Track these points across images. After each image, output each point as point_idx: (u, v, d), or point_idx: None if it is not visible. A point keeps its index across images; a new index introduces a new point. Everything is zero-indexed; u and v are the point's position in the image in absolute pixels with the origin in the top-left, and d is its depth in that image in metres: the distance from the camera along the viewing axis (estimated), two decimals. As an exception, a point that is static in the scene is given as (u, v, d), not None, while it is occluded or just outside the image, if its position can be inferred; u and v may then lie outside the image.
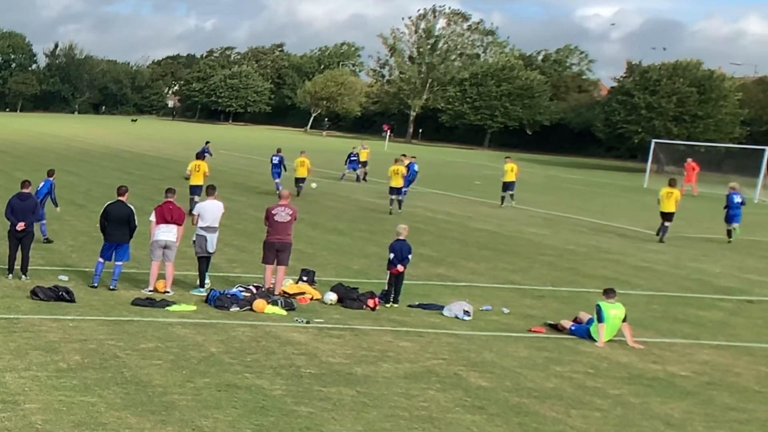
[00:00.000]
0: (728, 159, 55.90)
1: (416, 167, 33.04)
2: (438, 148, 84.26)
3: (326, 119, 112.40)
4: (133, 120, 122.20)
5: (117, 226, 15.80)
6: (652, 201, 37.64)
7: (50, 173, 21.50)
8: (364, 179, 41.86)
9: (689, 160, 46.75)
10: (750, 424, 10.42)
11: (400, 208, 29.76)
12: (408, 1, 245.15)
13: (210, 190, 16.60)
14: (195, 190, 27.06)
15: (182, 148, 56.55)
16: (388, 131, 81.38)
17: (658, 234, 26.18)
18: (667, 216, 25.88)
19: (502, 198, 33.70)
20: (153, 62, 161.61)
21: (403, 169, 30.55)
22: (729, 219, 26.88)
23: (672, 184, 26.71)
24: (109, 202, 16.14)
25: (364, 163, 42.98)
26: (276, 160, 35.14)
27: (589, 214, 32.46)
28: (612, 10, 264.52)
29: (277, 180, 34.60)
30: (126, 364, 11.42)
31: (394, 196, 29.90)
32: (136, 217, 15.95)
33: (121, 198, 16.12)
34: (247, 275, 17.44)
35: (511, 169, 33.55)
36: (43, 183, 20.87)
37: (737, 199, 26.69)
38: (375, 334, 13.58)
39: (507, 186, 33.73)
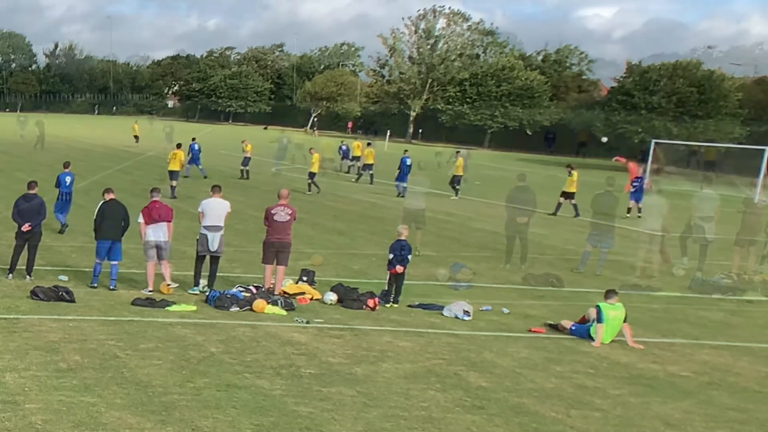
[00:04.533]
0: (728, 159, 55.82)
1: (409, 161, 37.05)
2: (438, 149, 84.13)
3: (314, 118, 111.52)
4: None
5: (113, 224, 15.92)
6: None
7: (66, 165, 22.91)
8: (361, 176, 41.64)
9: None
10: (750, 424, 10.43)
11: (312, 189, 34.22)
12: (411, 1, 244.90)
13: (215, 189, 16.64)
14: (172, 175, 31.38)
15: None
16: (351, 128, 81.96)
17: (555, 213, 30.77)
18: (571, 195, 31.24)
19: (456, 190, 36.06)
20: (153, 62, 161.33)
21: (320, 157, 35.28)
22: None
23: (571, 167, 32.59)
24: (101, 202, 16.19)
25: (357, 158, 44.32)
26: (196, 147, 39.02)
27: (590, 214, 32.36)
28: (612, 10, 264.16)
29: (200, 166, 38.38)
30: (126, 364, 11.42)
31: (312, 180, 34.56)
32: (128, 213, 16.12)
33: (112, 197, 16.24)
34: (247, 275, 17.44)
35: (460, 164, 36.74)
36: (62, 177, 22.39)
37: None
38: (375, 334, 13.58)
39: (455, 179, 36.28)
